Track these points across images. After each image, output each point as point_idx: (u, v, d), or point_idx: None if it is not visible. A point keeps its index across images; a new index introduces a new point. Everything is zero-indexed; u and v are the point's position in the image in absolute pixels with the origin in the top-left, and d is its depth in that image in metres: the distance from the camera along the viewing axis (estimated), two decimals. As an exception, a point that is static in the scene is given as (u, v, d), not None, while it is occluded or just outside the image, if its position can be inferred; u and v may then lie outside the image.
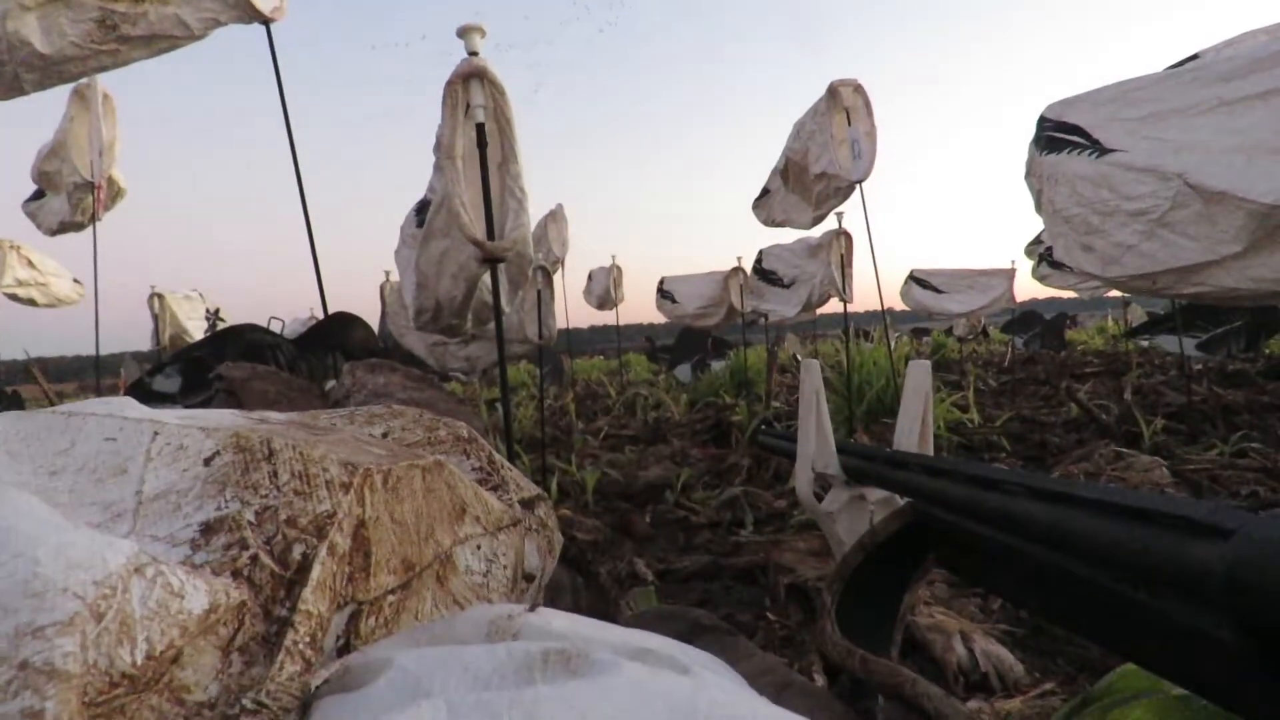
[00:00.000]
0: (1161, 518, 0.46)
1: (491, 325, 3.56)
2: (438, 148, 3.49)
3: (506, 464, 1.75)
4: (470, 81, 3.20)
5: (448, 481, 1.40)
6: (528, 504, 1.76)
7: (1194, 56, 5.88)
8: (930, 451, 1.29)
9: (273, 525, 1.16)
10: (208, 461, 1.22)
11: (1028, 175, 3.70)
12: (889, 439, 1.44)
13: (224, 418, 1.54)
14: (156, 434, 1.27)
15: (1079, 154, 3.22)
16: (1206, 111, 2.87)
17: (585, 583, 3.24)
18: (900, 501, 1.08)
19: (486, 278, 3.41)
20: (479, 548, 1.45)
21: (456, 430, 1.88)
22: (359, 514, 1.22)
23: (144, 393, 5.68)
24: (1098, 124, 3.23)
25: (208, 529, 1.11)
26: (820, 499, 1.46)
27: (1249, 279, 2.75)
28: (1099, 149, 3.15)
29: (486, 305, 3.62)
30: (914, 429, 1.29)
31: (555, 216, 10.13)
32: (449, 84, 3.21)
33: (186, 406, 6.02)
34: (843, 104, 5.58)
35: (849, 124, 5.58)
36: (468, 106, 3.28)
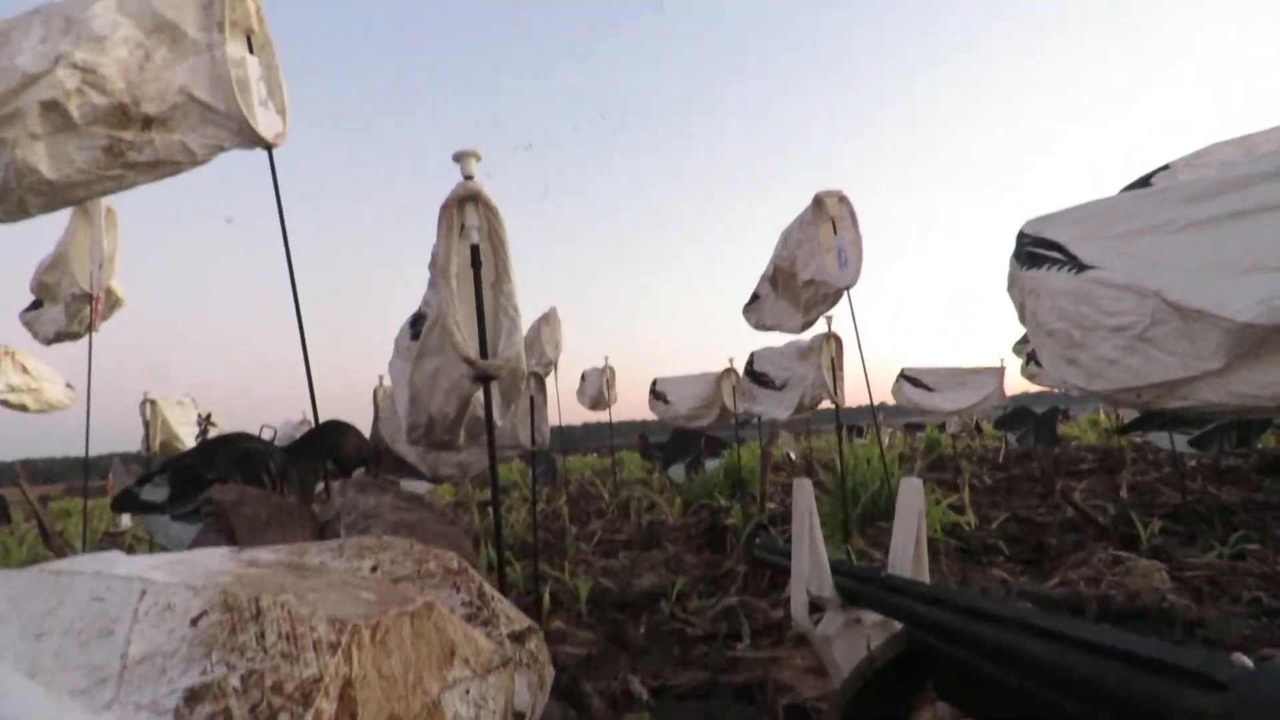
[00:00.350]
0: (1155, 664, 0.47)
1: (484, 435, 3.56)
2: (433, 265, 3.56)
3: (497, 595, 1.72)
4: (465, 204, 3.29)
5: (437, 624, 1.38)
6: (518, 638, 1.73)
7: (1165, 167, 6.11)
8: (925, 573, 1.28)
9: (258, 692, 1.13)
10: (194, 622, 1.20)
11: (1010, 288, 3.79)
12: (885, 542, 1.44)
13: (213, 563, 1.52)
14: (144, 593, 1.25)
15: (1058, 270, 3.31)
16: (1178, 231, 2.97)
17: (578, 716, 3.15)
18: (897, 626, 1.08)
19: (479, 393, 3.43)
20: (468, 692, 1.41)
21: (446, 562, 1.85)
22: (346, 673, 1.19)
23: (132, 502, 5.60)
24: (1075, 240, 3.33)
25: (192, 696, 1.09)
26: (815, 620, 1.44)
27: (1231, 394, 2.79)
28: (1077, 265, 3.23)
29: (479, 420, 3.63)
30: (908, 549, 1.29)
31: (549, 319, 10.25)
32: (444, 207, 3.31)
33: (174, 517, 5.91)
34: (828, 213, 5.74)
35: (835, 232, 5.72)
36: (462, 227, 3.37)
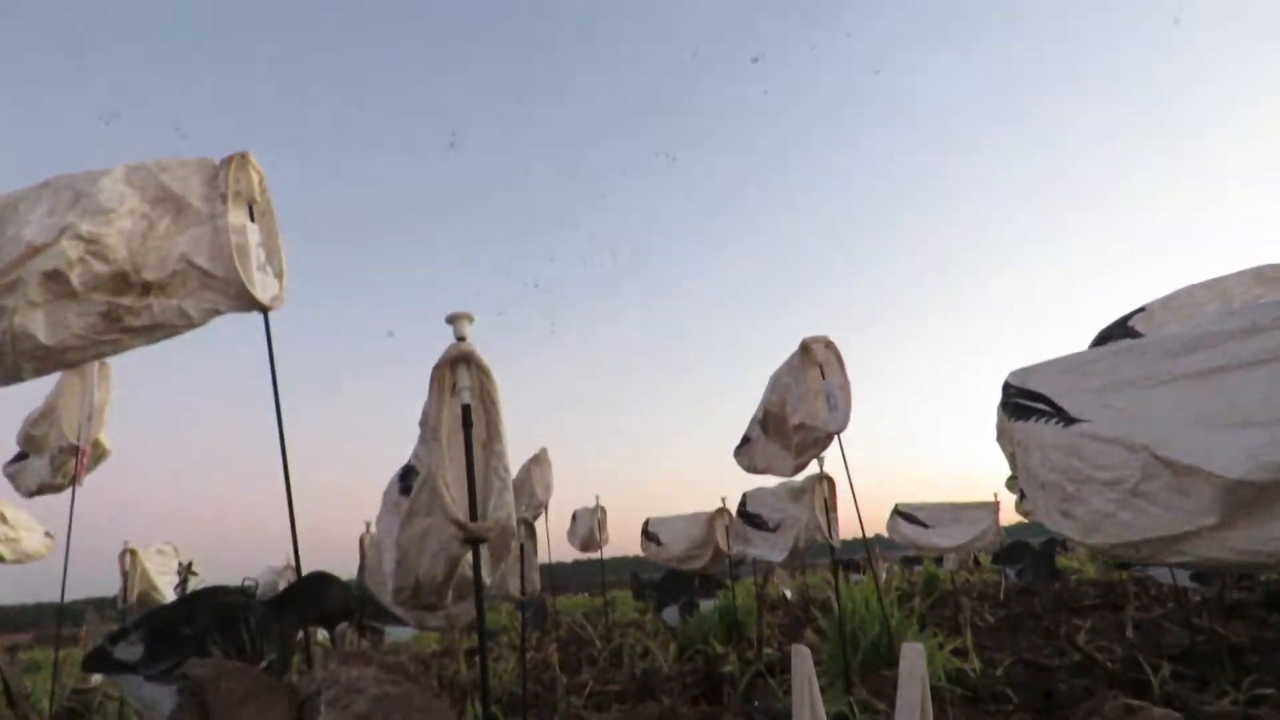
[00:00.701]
0: None
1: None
2: (424, 423, 3.56)
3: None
4: (458, 365, 3.33)
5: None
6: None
7: (1141, 309, 6.27)
8: None
9: None
10: None
11: (999, 437, 3.81)
12: (888, 693, 1.39)
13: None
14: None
15: (1047, 422, 3.34)
16: (1161, 385, 3.01)
17: None
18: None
19: (469, 554, 3.36)
20: None
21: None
22: None
23: (105, 662, 5.37)
24: (1061, 393, 3.37)
25: None
26: None
27: (1230, 550, 2.76)
28: (1065, 418, 3.26)
29: (468, 580, 3.55)
30: (913, 718, 1.24)
31: (539, 460, 10.18)
32: (437, 367, 3.34)
33: (148, 678, 5.66)
34: (816, 359, 5.83)
35: (823, 377, 5.79)
36: (454, 386, 3.39)
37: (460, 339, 3.34)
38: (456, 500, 3.19)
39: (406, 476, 4.20)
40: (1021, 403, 3.52)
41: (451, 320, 3.34)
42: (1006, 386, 3.67)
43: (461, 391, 3.32)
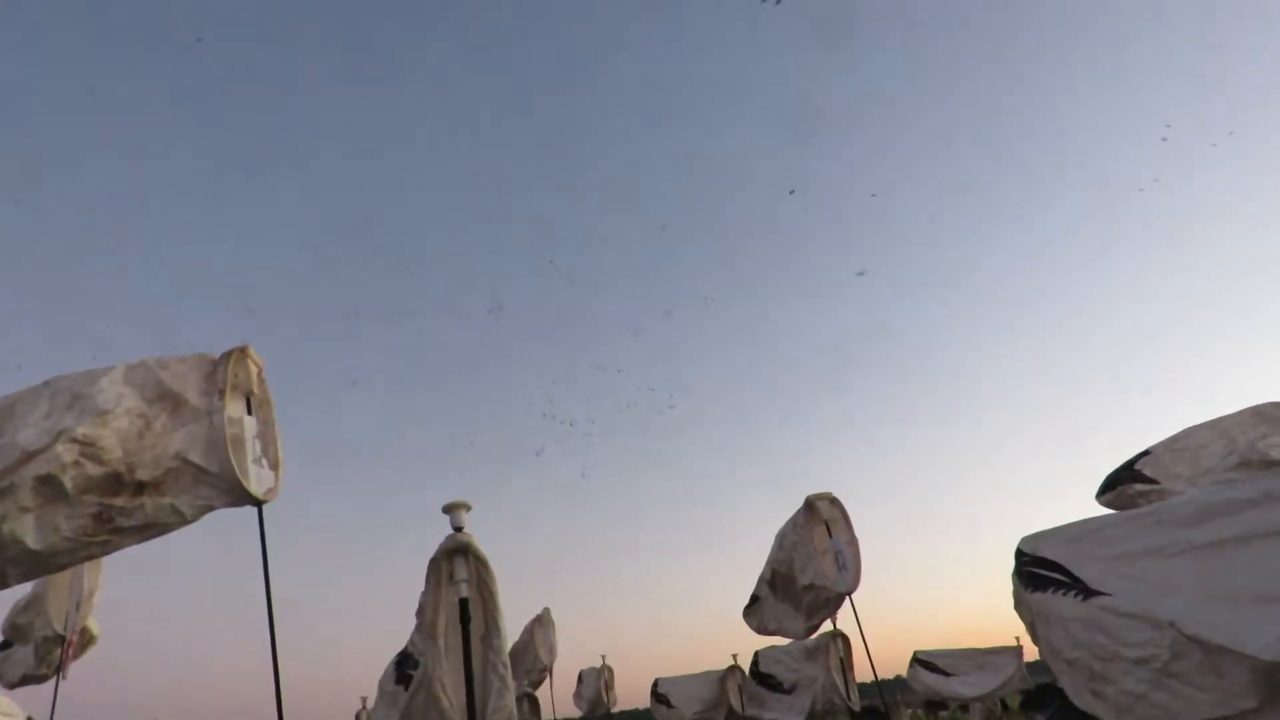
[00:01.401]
0: None
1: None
2: (420, 615, 3.45)
3: None
4: (455, 556, 3.25)
5: None
6: None
7: (1146, 453, 6.23)
8: None
9: None
10: None
11: (1017, 605, 3.68)
12: None
13: None
14: None
15: (1064, 594, 3.22)
16: (1178, 554, 2.93)
17: None
18: None
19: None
20: None
21: None
22: None
23: None
24: (1075, 561, 3.27)
25: None
26: None
27: (1275, 735, 2.60)
28: (1083, 589, 3.15)
29: (467, 785, 3.33)
30: None
31: (542, 621, 9.84)
32: (433, 560, 3.26)
33: None
34: (821, 516, 5.73)
35: (829, 535, 5.67)
36: (451, 576, 3.30)
37: (457, 529, 3.28)
38: (454, 704, 3.04)
39: (403, 664, 4.03)
40: (1036, 572, 3.41)
41: (448, 510, 3.29)
42: (1019, 554, 3.57)
43: (459, 584, 3.23)
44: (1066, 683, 3.32)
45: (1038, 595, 3.37)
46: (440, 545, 3.26)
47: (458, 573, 3.23)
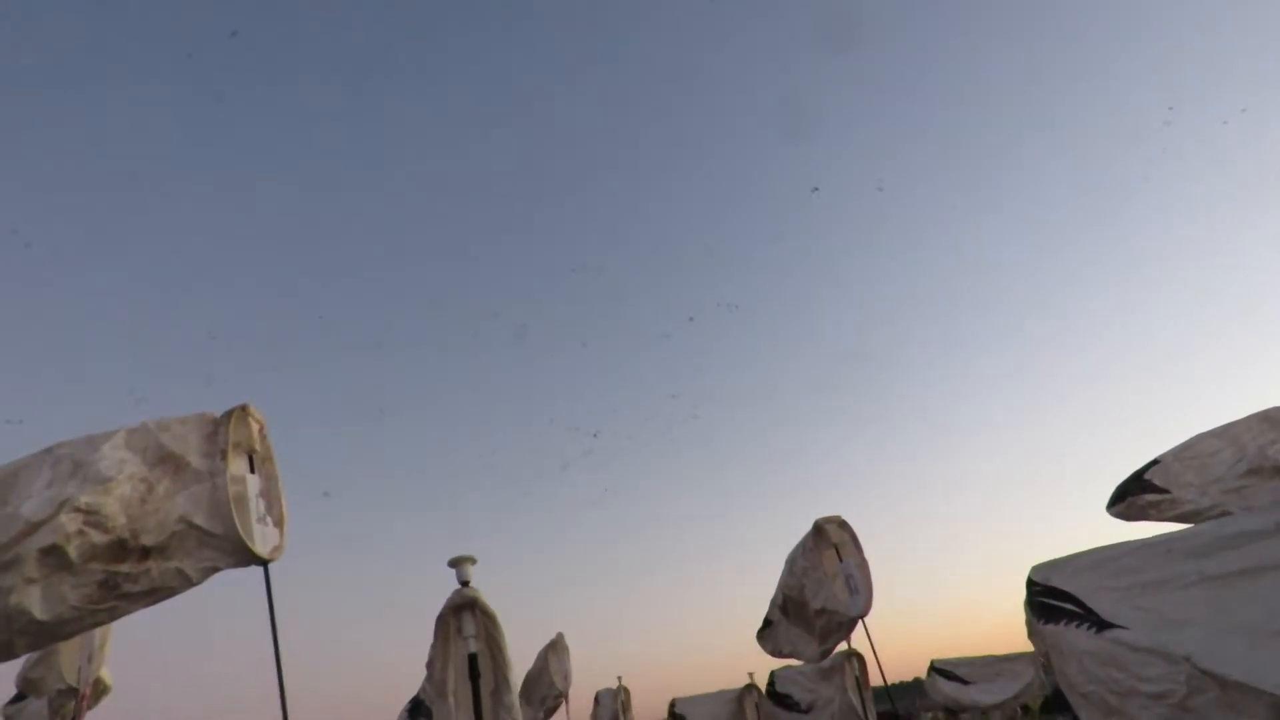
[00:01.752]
0: None
1: None
2: (430, 668, 3.43)
3: None
4: (462, 612, 3.24)
5: None
6: None
7: (1155, 462, 6.19)
8: None
9: None
10: None
11: (1030, 635, 3.65)
12: None
13: None
14: None
15: (1077, 626, 3.20)
16: (1190, 586, 2.90)
17: None
18: None
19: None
20: None
21: None
22: None
23: None
24: (1087, 592, 3.25)
25: None
26: None
27: (1298, 772, 2.57)
28: (1097, 622, 3.13)
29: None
30: None
31: (555, 647, 9.80)
32: (440, 617, 3.25)
33: None
34: (830, 540, 5.70)
35: (839, 559, 5.64)
36: (459, 630, 3.28)
37: (464, 583, 3.26)
38: (466, 764, 3.02)
39: (415, 711, 4.01)
40: (1048, 603, 3.39)
41: (454, 564, 3.28)
42: (1030, 583, 3.55)
43: (467, 640, 3.21)
44: (1084, 716, 3.29)
45: (1050, 627, 3.34)
46: (447, 601, 3.24)
47: (465, 628, 3.21)
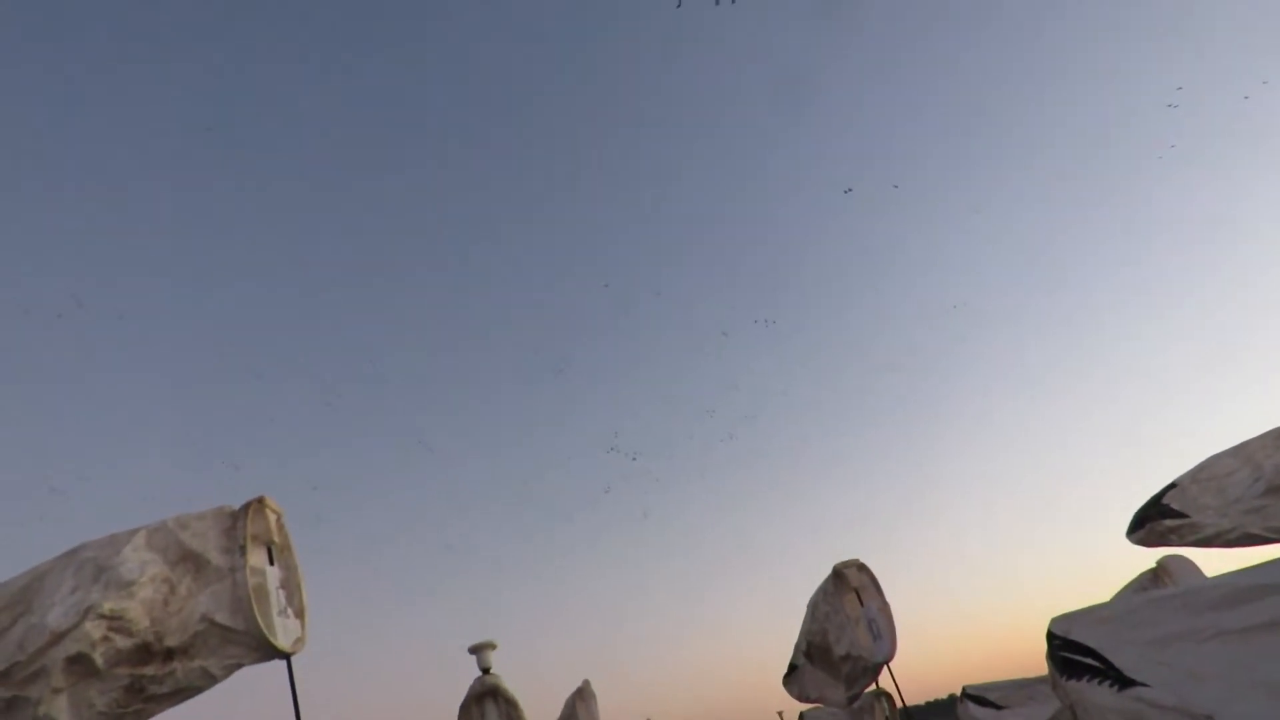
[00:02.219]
0: None
1: None
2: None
3: None
4: (484, 700, 3.25)
5: None
6: None
7: (1173, 485, 6.16)
8: None
9: None
10: None
11: (1054, 688, 3.64)
12: None
13: None
14: None
15: (1100, 683, 3.18)
16: (1210, 639, 2.89)
17: None
18: None
19: None
20: None
21: None
22: None
23: None
24: (1109, 646, 3.23)
25: None
26: None
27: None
28: (1119, 679, 3.11)
29: None
30: None
31: (583, 695, 9.72)
32: (463, 705, 3.26)
33: None
34: (850, 584, 5.68)
35: (861, 603, 5.62)
36: (482, 719, 3.30)
37: (485, 670, 3.28)
38: None
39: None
40: (1070, 657, 3.37)
41: (475, 650, 3.30)
42: (1050, 635, 3.53)
43: (492, 728, 3.22)
44: (1112, 774, 3.26)
45: (1074, 683, 3.32)
46: (469, 689, 3.26)
47: (488, 716, 3.22)
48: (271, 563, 3.70)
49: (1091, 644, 3.31)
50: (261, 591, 3.60)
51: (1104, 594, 8.37)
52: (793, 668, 6.83)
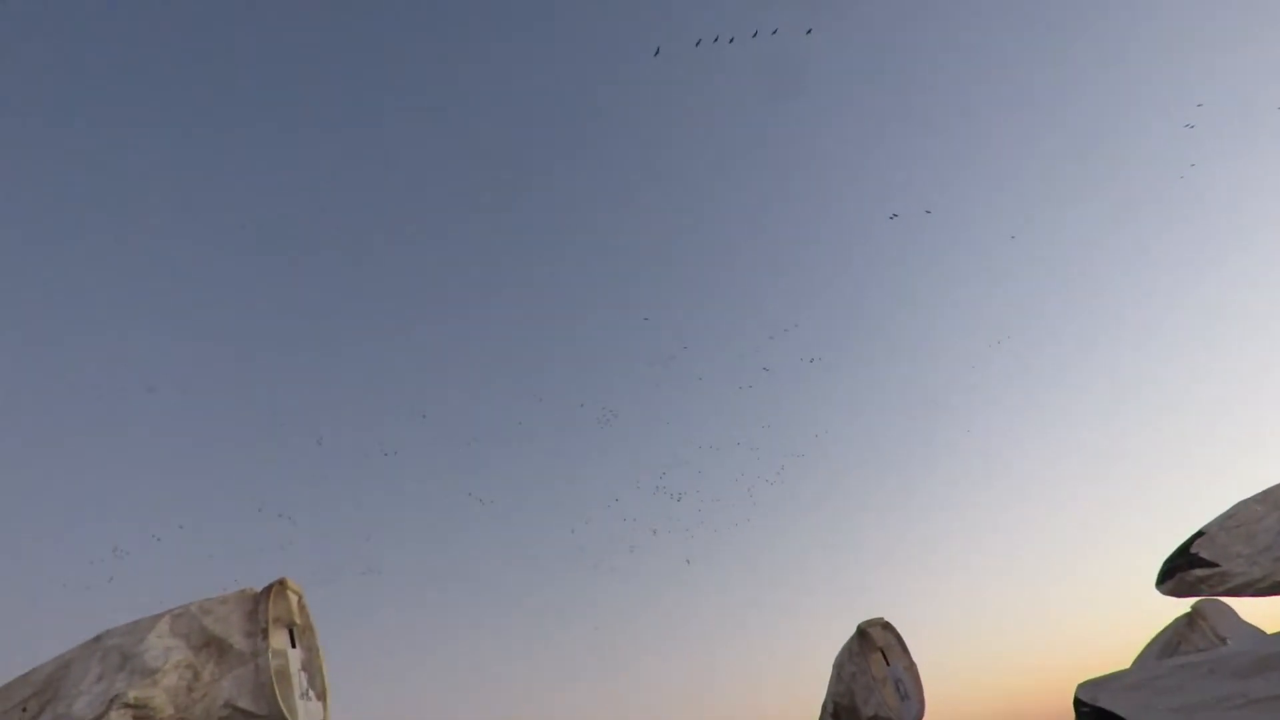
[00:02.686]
0: None
1: None
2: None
3: None
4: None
5: None
6: None
7: (1200, 534, 6.07)
8: None
9: None
10: None
11: (1085, 754, 3.58)
12: None
13: None
14: None
15: (1128, 752, 3.14)
16: (1238, 708, 2.86)
17: None
18: None
19: None
20: None
21: None
22: None
23: None
24: (1135, 713, 3.19)
25: None
26: None
27: None
28: (1148, 750, 3.07)
29: None
30: None
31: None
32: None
33: None
34: (875, 644, 5.62)
35: (887, 663, 5.55)
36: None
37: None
38: None
39: None
40: (1098, 727, 3.32)
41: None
42: (1078, 702, 3.48)
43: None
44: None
45: (1103, 755, 3.27)
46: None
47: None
48: (294, 644, 3.73)
49: (1119, 711, 3.26)
50: (284, 675, 3.63)
51: (1141, 640, 8.20)
52: (822, 729, 6.72)
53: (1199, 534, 6.06)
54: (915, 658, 5.55)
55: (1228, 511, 6.02)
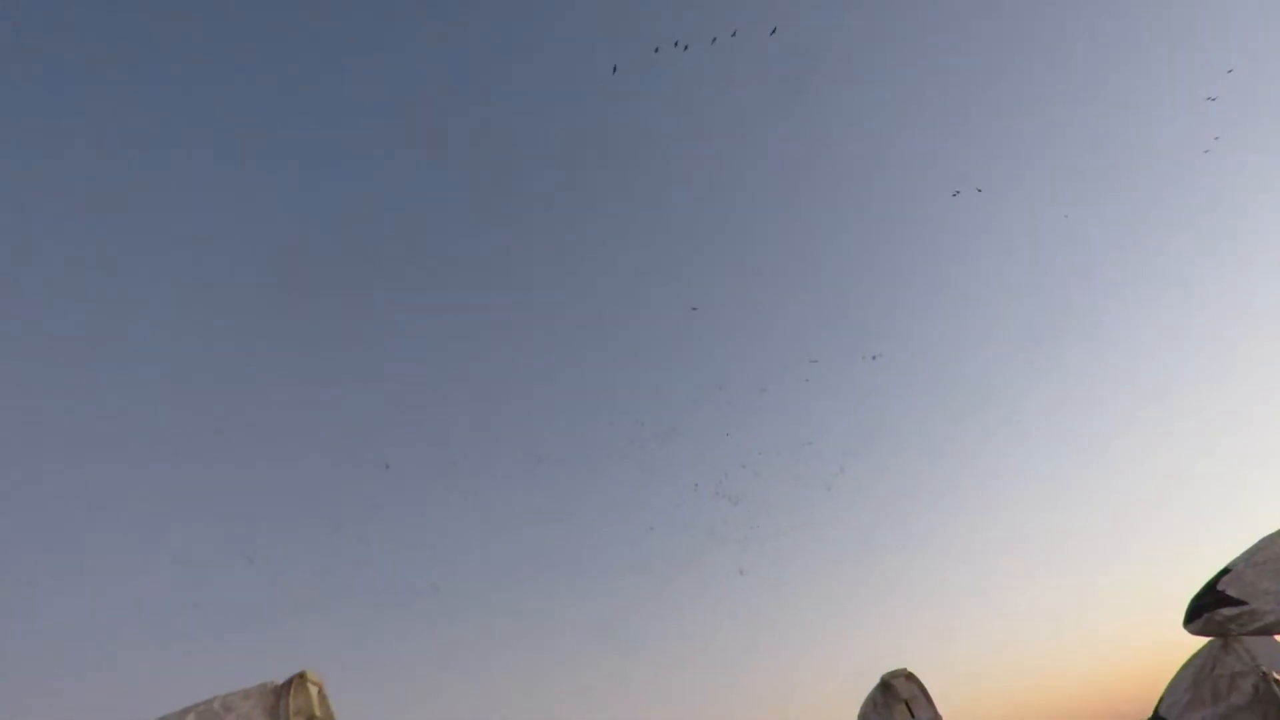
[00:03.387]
0: None
1: None
2: None
3: None
4: None
5: None
6: None
7: (1226, 571, 6.00)
8: None
9: None
10: None
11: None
12: None
13: None
14: None
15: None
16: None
17: None
18: None
19: None
20: None
21: None
22: None
23: None
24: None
25: None
26: None
27: None
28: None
29: None
30: None
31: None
32: None
33: None
34: (899, 695, 5.58)
35: (911, 714, 5.51)
36: None
37: None
38: None
39: None
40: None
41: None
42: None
43: None
44: None
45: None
46: None
47: None
48: (315, 737, 3.77)
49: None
50: (306, 769, 3.66)
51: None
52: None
53: (1225, 571, 5.98)
54: (940, 708, 5.51)
55: (1254, 547, 5.93)
